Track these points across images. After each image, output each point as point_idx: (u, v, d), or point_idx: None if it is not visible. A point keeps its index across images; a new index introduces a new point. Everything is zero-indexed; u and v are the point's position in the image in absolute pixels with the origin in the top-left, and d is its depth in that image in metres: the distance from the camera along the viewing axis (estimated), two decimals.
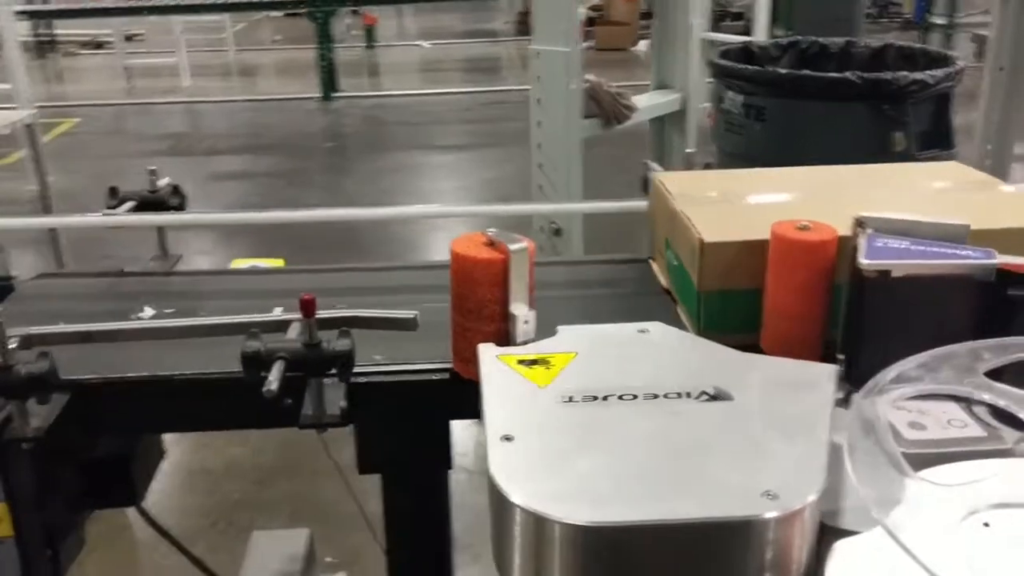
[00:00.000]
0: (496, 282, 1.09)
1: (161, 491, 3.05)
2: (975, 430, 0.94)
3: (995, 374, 0.88)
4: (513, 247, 1.08)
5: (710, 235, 1.22)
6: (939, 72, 2.89)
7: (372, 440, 1.26)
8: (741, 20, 11.29)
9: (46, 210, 3.76)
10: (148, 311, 1.41)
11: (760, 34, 6.55)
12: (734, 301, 1.21)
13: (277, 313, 1.21)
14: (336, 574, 1.96)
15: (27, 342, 1.16)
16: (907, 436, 0.93)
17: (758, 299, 1.18)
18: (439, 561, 1.40)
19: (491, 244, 1.11)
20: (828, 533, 0.82)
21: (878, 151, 2.89)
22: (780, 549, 0.78)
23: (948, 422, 0.96)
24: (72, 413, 1.18)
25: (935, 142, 2.92)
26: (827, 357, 1.10)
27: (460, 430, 1.30)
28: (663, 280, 1.46)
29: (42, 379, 1.09)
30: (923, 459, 0.88)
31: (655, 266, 1.51)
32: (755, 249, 1.18)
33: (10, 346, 1.10)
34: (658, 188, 1.47)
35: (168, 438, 3.24)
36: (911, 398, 0.92)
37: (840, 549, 0.78)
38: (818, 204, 1.29)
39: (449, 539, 1.40)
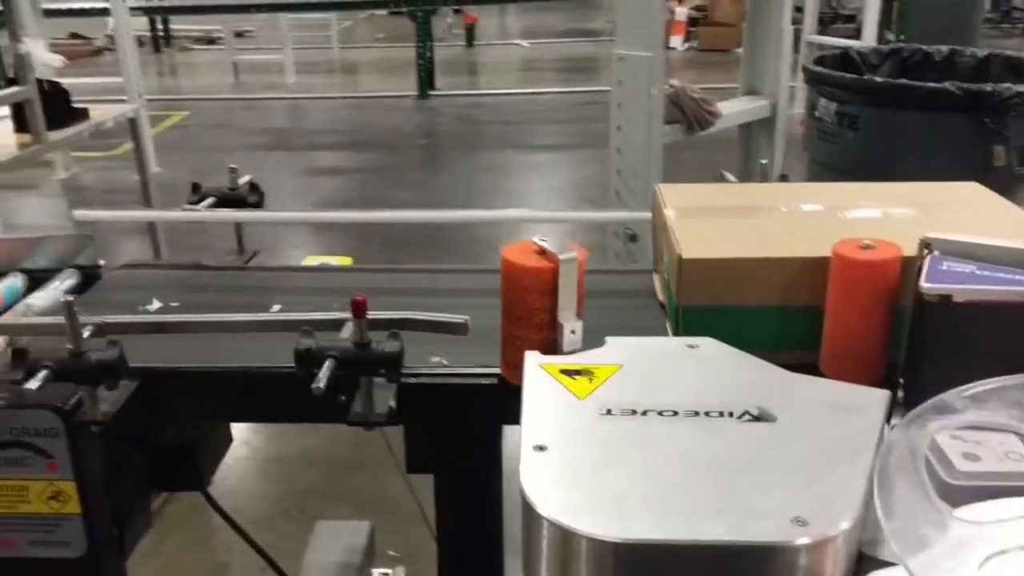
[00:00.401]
0: (545, 291, 1.09)
1: (237, 477, 3.15)
2: None
3: None
4: (563, 256, 1.08)
5: (690, 251, 1.19)
6: None
7: (420, 440, 1.27)
8: (853, 23, 11.01)
9: (145, 200, 3.90)
10: (156, 303, 1.46)
11: (869, 39, 6.37)
12: (712, 318, 1.17)
13: (333, 312, 1.23)
14: (395, 567, 1.97)
15: (101, 330, 1.21)
16: (960, 467, 0.89)
17: (738, 317, 1.17)
18: (490, 562, 1.41)
19: (542, 252, 1.11)
20: (867, 563, 0.79)
21: (977, 165, 2.79)
22: None
23: (1006, 454, 0.92)
24: (139, 400, 1.22)
25: None
26: (889, 380, 1.07)
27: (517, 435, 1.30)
28: (660, 293, 1.44)
29: (111, 366, 1.13)
30: (975, 492, 0.85)
31: (655, 278, 1.49)
32: (736, 267, 1.17)
33: (84, 334, 1.15)
34: (657, 199, 1.44)
35: (246, 427, 3.36)
36: (966, 428, 0.88)
37: None
38: (822, 224, 1.29)
39: (500, 541, 1.41)
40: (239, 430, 3.34)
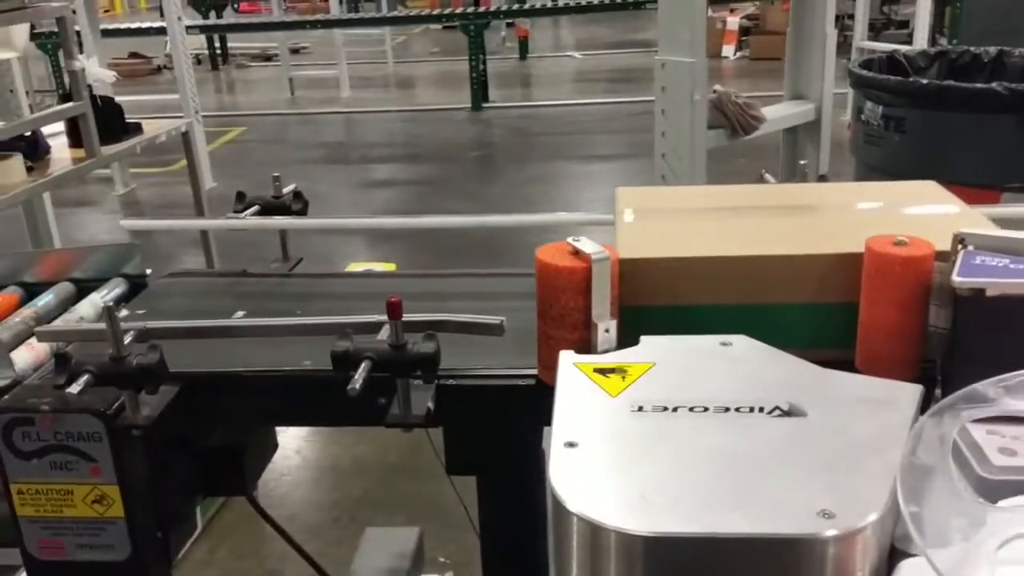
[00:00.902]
0: (579, 290, 1.10)
1: (291, 483, 3.19)
2: None
3: None
4: (595, 256, 1.09)
5: (628, 251, 1.19)
6: None
7: (460, 442, 1.29)
8: (905, 29, 10.84)
9: (199, 212, 3.98)
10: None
11: (920, 44, 6.28)
12: (651, 318, 1.16)
13: (371, 315, 1.24)
14: (444, 573, 1.99)
15: (143, 336, 1.24)
16: (996, 462, 0.88)
17: (679, 316, 1.17)
18: (533, 560, 1.41)
19: (575, 253, 1.12)
20: (900, 557, 0.79)
21: None
22: (838, 570, 0.76)
23: None
24: (181, 404, 1.25)
25: None
26: (926, 376, 1.06)
27: None
28: None
29: (151, 370, 1.15)
30: (1012, 486, 0.84)
31: None
32: (675, 267, 1.17)
33: (127, 339, 1.18)
34: (616, 202, 1.45)
35: (299, 435, 3.41)
36: (999, 421, 0.87)
37: (905, 569, 0.75)
38: (770, 223, 1.31)
39: (543, 540, 1.41)
40: (291, 438, 3.39)
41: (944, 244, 1.06)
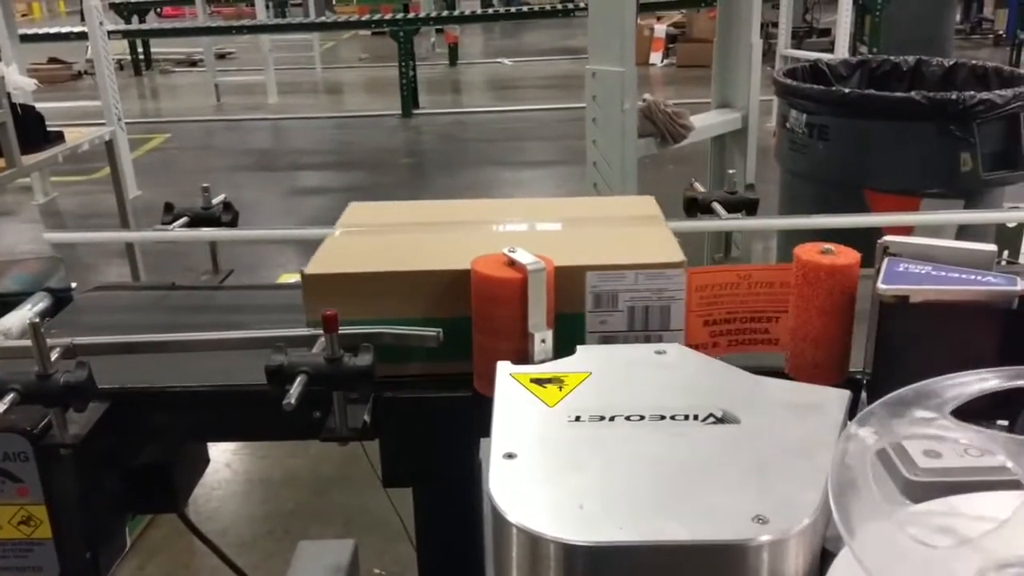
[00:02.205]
0: (514, 301, 1.11)
1: (222, 498, 3.14)
2: (992, 460, 0.92)
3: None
4: (531, 267, 1.09)
5: (315, 267, 1.25)
6: (1008, 92, 2.81)
7: (396, 454, 1.28)
8: (827, 37, 11.11)
9: (123, 223, 3.89)
10: None
11: (842, 52, 6.45)
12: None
13: (305, 328, 1.23)
14: None
15: (70, 352, 1.21)
16: (921, 464, 0.91)
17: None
18: (471, 572, 1.41)
19: (511, 264, 1.12)
20: (831, 559, 0.81)
21: (945, 172, 2.82)
22: (773, 573, 0.77)
23: (965, 451, 0.94)
24: (111, 421, 1.22)
25: (1005, 163, 2.85)
26: (854, 382, 1.09)
27: None
28: None
29: (80, 388, 1.12)
30: (937, 487, 0.86)
31: None
32: (358, 281, 1.23)
33: (53, 356, 1.15)
34: (342, 216, 1.52)
35: (229, 448, 3.35)
36: (925, 424, 0.90)
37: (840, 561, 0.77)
38: (461, 236, 1.39)
39: (480, 552, 1.41)
40: (222, 452, 3.33)
41: (587, 260, 1.19)
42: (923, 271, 1.01)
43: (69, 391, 1.12)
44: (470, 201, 1.65)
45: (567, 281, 1.19)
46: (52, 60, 12.95)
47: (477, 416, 1.13)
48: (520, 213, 1.54)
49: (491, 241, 1.24)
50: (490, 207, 1.65)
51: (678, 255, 1.24)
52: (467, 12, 10.38)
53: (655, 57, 12.87)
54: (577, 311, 1.22)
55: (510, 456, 0.89)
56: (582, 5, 10.42)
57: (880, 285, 0.99)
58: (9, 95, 3.52)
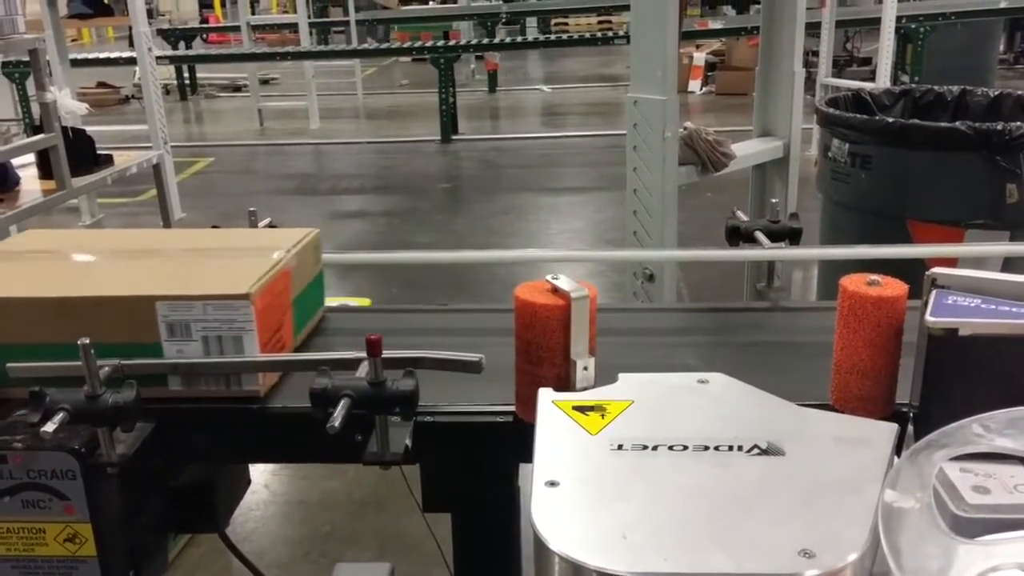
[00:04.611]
0: (557, 328, 1.11)
1: (258, 520, 3.15)
2: None
3: None
4: (575, 294, 1.10)
5: None
6: None
7: (436, 479, 1.28)
8: (868, 66, 11.06)
9: None
10: None
11: (883, 81, 6.42)
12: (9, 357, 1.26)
13: (349, 351, 1.24)
14: None
15: (118, 372, 1.23)
16: (969, 500, 0.90)
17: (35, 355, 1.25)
18: None
19: (554, 291, 1.13)
20: None
21: (990, 202, 2.79)
22: None
23: (1015, 487, 0.92)
24: (156, 441, 1.24)
25: None
26: (900, 415, 1.07)
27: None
28: None
29: (127, 409, 1.14)
30: (984, 524, 0.85)
31: None
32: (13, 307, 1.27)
33: (100, 376, 1.17)
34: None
35: (267, 470, 3.37)
36: (974, 459, 0.89)
37: None
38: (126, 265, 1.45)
39: None
40: (260, 473, 3.35)
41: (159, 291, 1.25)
42: (972, 304, 1.00)
43: (117, 411, 1.14)
44: (143, 231, 1.68)
45: (138, 313, 1.25)
46: (100, 84, 13.22)
47: (517, 441, 1.13)
48: (147, 243, 1.58)
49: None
50: (142, 237, 1.65)
51: (244, 287, 1.26)
52: (507, 40, 10.43)
53: (694, 85, 12.87)
54: (154, 340, 1.26)
55: (552, 484, 0.89)
56: (621, 33, 10.48)
57: (929, 317, 0.98)
58: (60, 119, 3.60)
